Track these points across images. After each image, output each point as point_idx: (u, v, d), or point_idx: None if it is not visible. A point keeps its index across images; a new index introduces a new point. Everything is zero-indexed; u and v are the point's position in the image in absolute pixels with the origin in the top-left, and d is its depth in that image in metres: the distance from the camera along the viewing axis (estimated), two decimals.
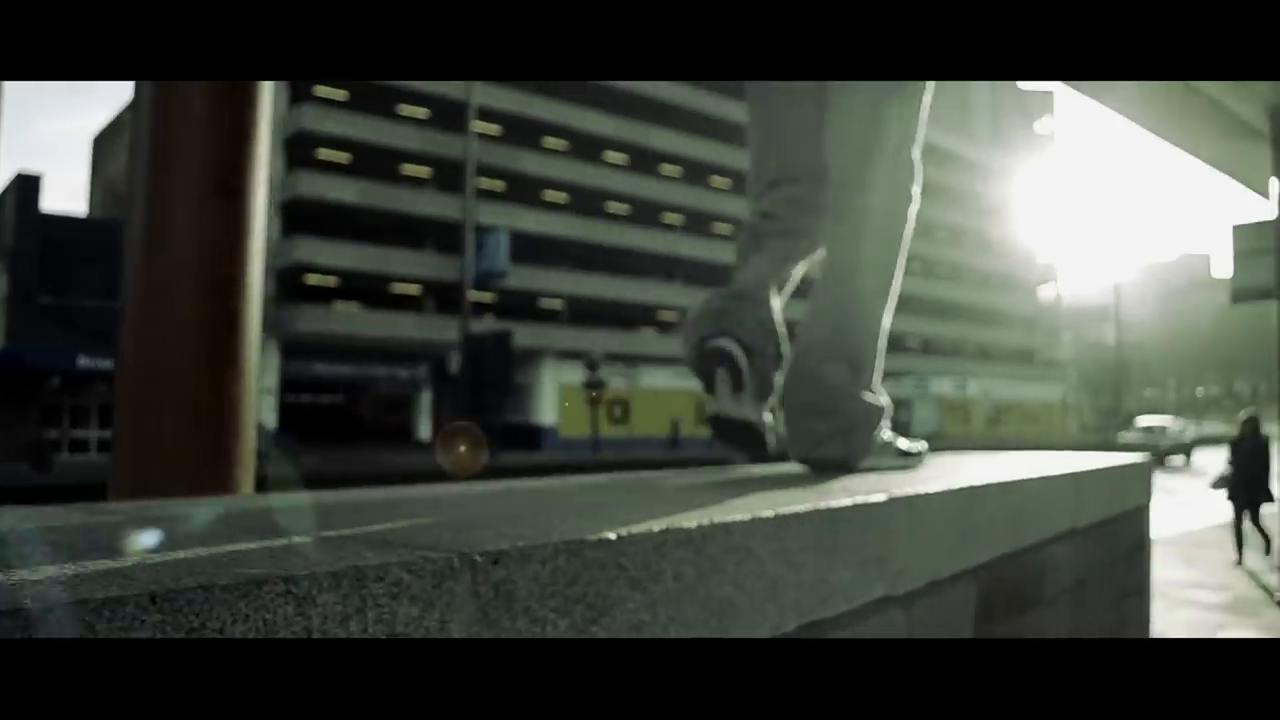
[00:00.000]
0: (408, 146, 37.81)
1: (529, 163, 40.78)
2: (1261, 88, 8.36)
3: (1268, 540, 9.75)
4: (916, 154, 2.13)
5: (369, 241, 36.67)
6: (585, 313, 42.24)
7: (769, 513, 0.95)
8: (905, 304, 57.05)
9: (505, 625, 0.67)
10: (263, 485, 2.32)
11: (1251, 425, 10.10)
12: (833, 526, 1.06)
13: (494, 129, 39.27)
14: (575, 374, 37.54)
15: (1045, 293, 70.40)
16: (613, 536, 0.76)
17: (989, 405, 61.27)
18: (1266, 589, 8.28)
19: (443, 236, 36.71)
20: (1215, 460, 10.42)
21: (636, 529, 0.79)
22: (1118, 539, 2.66)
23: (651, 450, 38.18)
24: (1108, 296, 64.35)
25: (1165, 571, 8.82)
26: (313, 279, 36.06)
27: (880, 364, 2.05)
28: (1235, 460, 10.00)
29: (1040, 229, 69.84)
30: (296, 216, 35.67)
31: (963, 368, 60.27)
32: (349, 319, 36.49)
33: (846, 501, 1.09)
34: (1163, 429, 40.56)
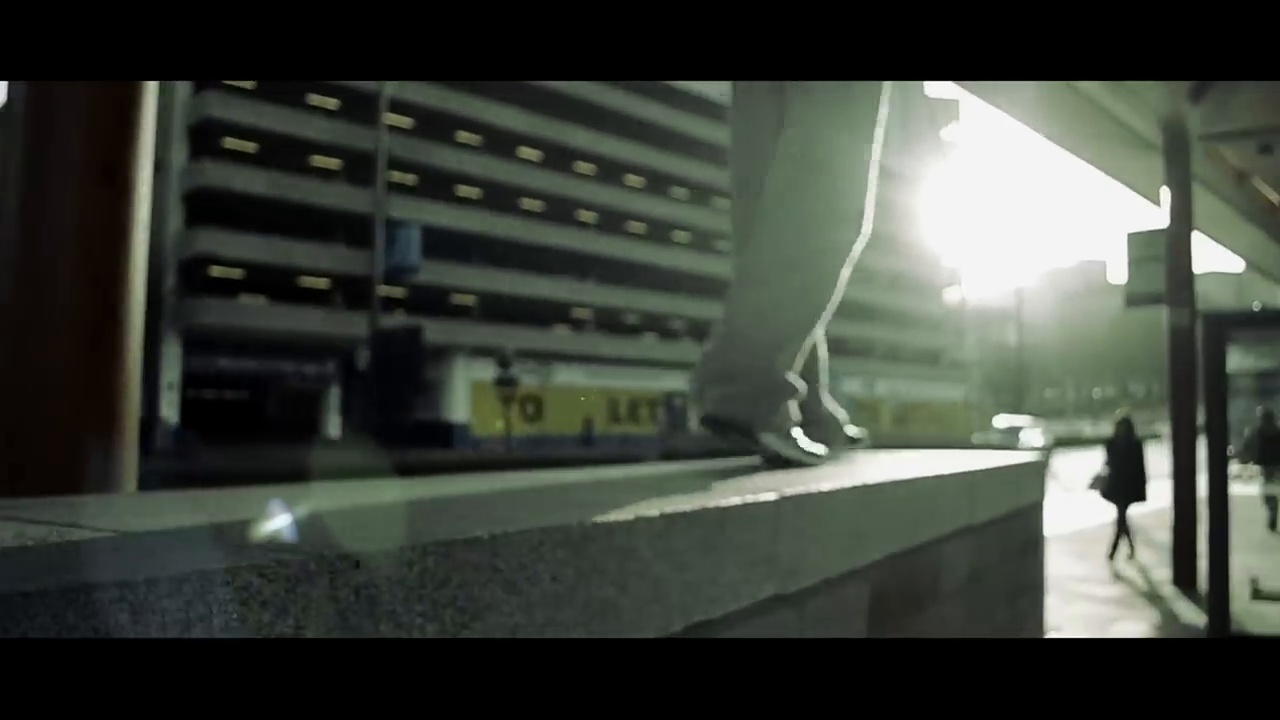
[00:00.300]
0: (317, 137, 37.11)
1: (442, 157, 40.34)
2: (1154, 100, 8.65)
3: (1117, 542, 10.00)
4: (872, 171, 2.12)
5: (276, 233, 35.88)
6: (498, 309, 41.95)
7: (654, 512, 0.94)
8: None
9: (368, 630, 0.65)
10: (162, 482, 2.24)
11: (1125, 425, 10.31)
12: (721, 526, 1.05)
13: (406, 122, 38.76)
14: (488, 371, 37.27)
15: (951, 296, 72.05)
16: (485, 537, 0.74)
17: (896, 405, 62.53)
18: (1146, 585, 8.58)
19: (353, 230, 36.07)
20: (1077, 464, 10.55)
21: (512, 529, 0.77)
22: (1012, 536, 2.71)
23: (565, 448, 38.12)
24: (1010, 300, 66.15)
25: (1060, 567, 9.09)
26: (217, 271, 35.16)
27: (804, 353, 2.05)
28: (1110, 460, 10.21)
29: (946, 234, 71.46)
30: (200, 206, 34.76)
31: (872, 368, 61.38)
32: (255, 312, 35.68)
33: (735, 500, 1.08)
34: (1020, 430, 39.84)
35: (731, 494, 1.13)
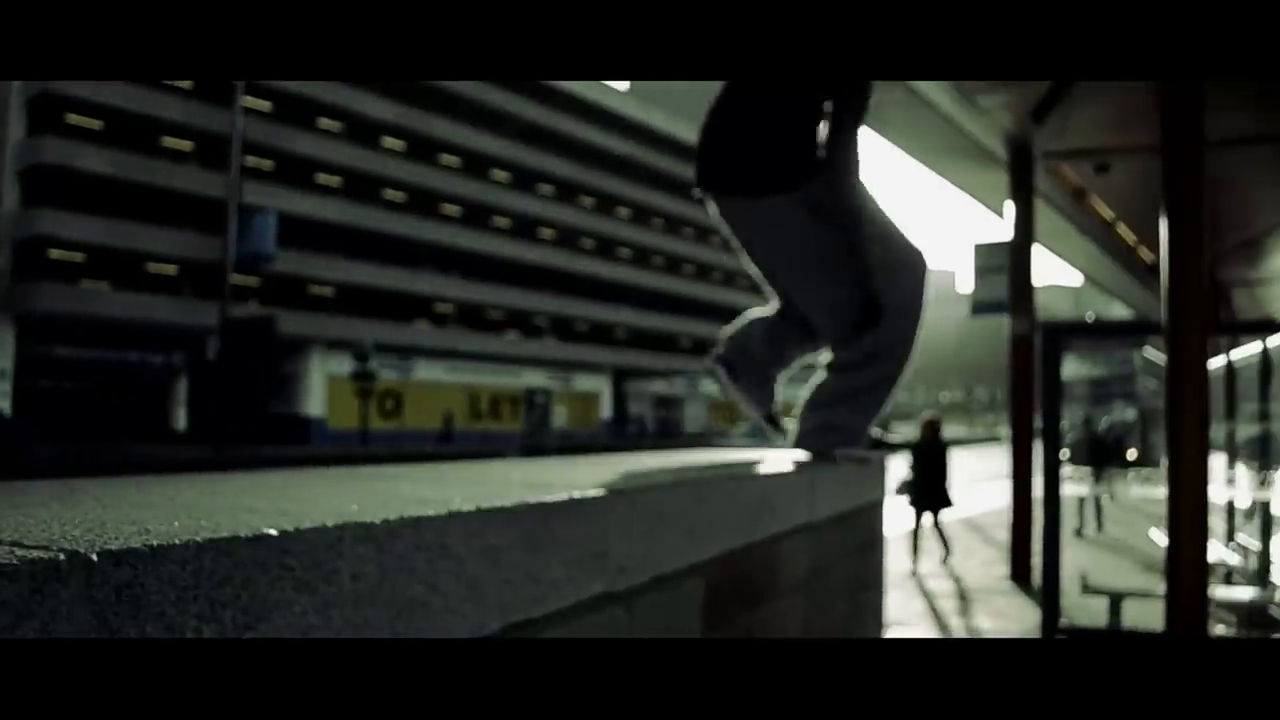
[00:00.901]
0: (169, 117, 35.55)
1: (301, 143, 39.19)
2: (1002, 119, 9.01)
3: (945, 545, 9.75)
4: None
5: (122, 216, 34.21)
6: (357, 302, 40.99)
7: (469, 507, 0.90)
8: (680, 305, 58.60)
9: (131, 633, 0.59)
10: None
11: (930, 429, 10.11)
12: (544, 522, 1.02)
13: (264, 105, 37.52)
14: (345, 365, 36.38)
15: None
16: (274, 533, 0.69)
17: None
18: (986, 581, 8.93)
19: (205, 215, 34.68)
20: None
21: (307, 524, 0.72)
22: (853, 533, 2.76)
23: (424, 444, 37.56)
24: None
25: (906, 564, 9.38)
26: (56, 254, 33.31)
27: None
28: (915, 464, 9.96)
29: None
30: (39, 185, 32.89)
31: None
32: (97, 299, 33.95)
33: (562, 496, 1.06)
34: (758, 427, 38.62)
35: (559, 490, 1.11)
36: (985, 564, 9.82)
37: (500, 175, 47.77)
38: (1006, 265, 9.77)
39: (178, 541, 0.62)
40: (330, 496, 0.97)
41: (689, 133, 59.51)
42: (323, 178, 40.37)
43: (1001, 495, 10.07)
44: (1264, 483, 7.55)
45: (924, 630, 6.83)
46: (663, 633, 1.36)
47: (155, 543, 0.61)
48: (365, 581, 0.77)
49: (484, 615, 0.92)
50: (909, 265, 2.54)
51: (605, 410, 53.11)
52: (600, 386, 52.96)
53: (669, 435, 49.41)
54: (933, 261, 2.69)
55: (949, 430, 10.47)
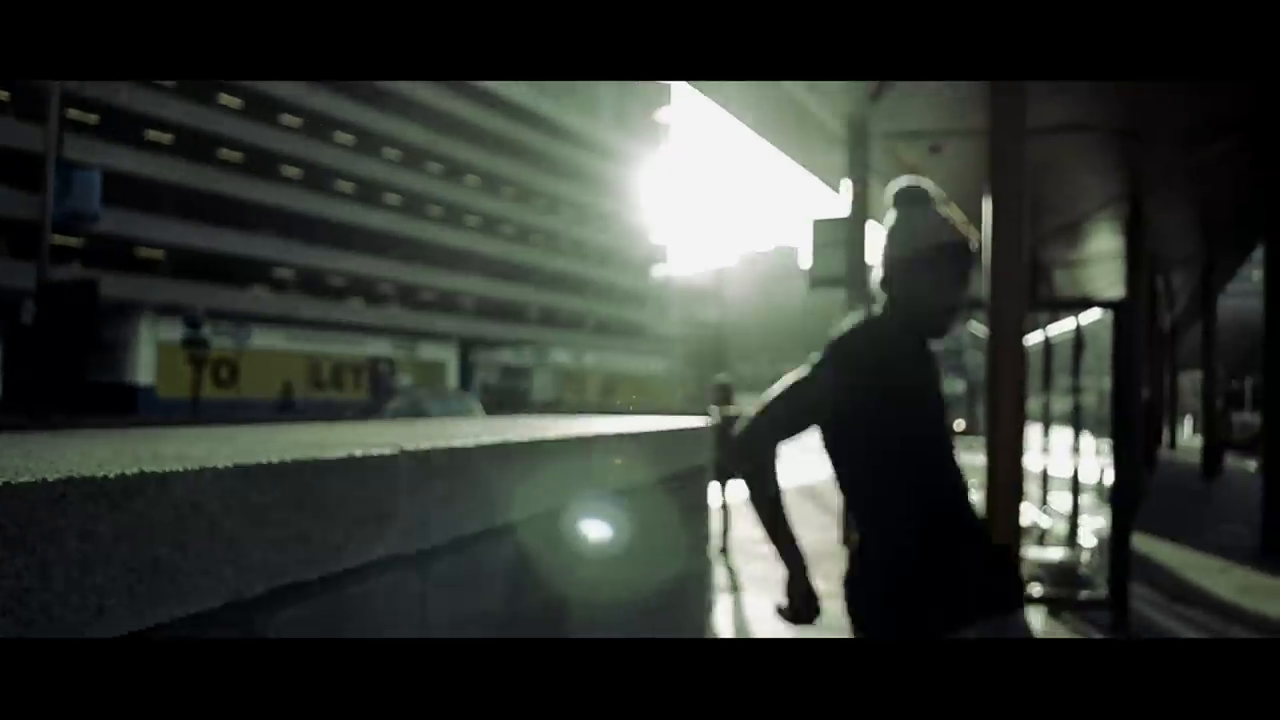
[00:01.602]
0: None
1: (129, 97, 37.09)
2: (841, 99, 9.24)
3: (726, 522, 9.10)
4: None
5: None
6: (190, 266, 39.22)
7: (226, 464, 0.84)
8: (528, 275, 58.22)
9: None
10: None
11: (723, 393, 9.37)
12: (319, 480, 0.97)
13: None
14: (177, 331, 34.78)
15: (657, 272, 74.47)
16: None
17: (604, 375, 64.12)
18: (819, 546, 9.22)
19: (22, 170, 32.50)
20: None
21: (22, 478, 0.66)
22: (677, 497, 2.78)
23: (261, 414, 36.33)
24: (711, 279, 69.24)
25: (743, 530, 9.59)
26: None
27: None
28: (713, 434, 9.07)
29: (655, 211, 73.70)
30: None
31: (581, 340, 62.57)
32: None
33: (340, 454, 1.01)
34: (416, 397, 30.81)
35: (340, 447, 1.06)
36: (820, 529, 10.13)
37: (344, 138, 46.38)
38: (843, 240, 10.04)
39: None
40: (82, 456, 0.90)
41: (540, 103, 59.02)
42: (153, 134, 38.37)
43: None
44: (1075, 450, 8.01)
45: (753, 594, 7.01)
46: (463, 598, 1.33)
47: None
48: (97, 541, 0.71)
49: (244, 578, 0.87)
50: None
51: (452, 380, 52.46)
52: (447, 356, 52.27)
53: (519, 406, 49.07)
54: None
55: None
